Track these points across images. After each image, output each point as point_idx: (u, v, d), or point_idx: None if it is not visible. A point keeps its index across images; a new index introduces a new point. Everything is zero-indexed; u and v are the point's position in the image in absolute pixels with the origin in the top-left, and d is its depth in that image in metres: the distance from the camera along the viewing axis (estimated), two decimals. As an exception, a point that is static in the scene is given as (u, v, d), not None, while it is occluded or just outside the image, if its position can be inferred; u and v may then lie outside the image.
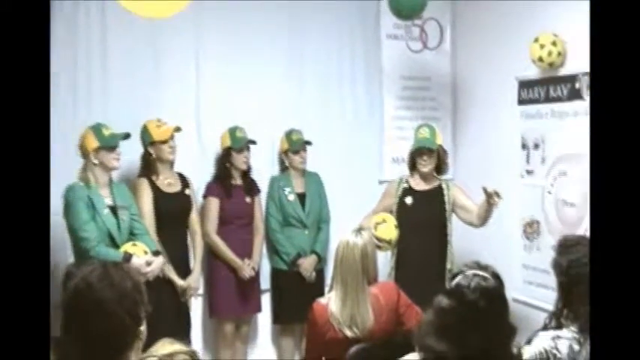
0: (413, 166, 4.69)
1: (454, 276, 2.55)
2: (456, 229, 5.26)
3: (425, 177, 4.66)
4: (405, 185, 4.70)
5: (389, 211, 4.66)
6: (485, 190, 4.20)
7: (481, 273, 2.49)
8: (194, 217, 4.57)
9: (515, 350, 2.45)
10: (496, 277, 2.51)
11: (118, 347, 2.03)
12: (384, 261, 4.69)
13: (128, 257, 3.77)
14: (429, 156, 4.58)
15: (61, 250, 4.22)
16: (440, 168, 4.69)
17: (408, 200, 4.66)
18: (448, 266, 4.53)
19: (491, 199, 4.20)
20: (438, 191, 4.64)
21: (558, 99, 4.33)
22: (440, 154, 4.65)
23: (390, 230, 4.44)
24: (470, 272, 2.50)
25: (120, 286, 2.06)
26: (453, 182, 4.82)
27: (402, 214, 4.63)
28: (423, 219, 4.57)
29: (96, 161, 3.93)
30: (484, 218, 4.39)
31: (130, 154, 4.23)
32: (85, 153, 3.95)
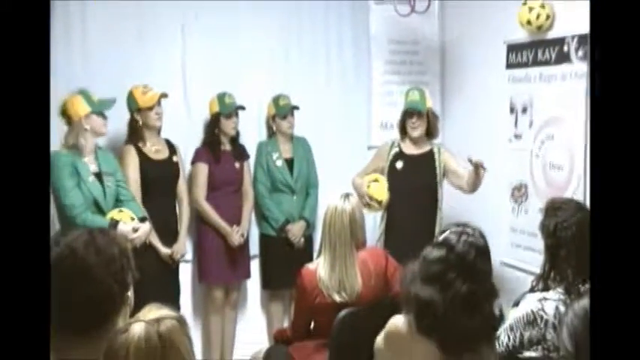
0: (403, 131, 4.66)
1: (441, 233, 2.57)
2: (446, 193, 5.28)
3: (416, 141, 4.64)
4: (396, 149, 4.69)
5: (380, 173, 4.66)
6: (470, 161, 4.21)
7: (469, 230, 2.52)
8: (182, 184, 4.56)
9: (496, 311, 2.49)
10: (482, 236, 2.54)
11: (105, 313, 2.03)
12: (374, 226, 4.72)
13: (114, 224, 3.76)
14: (418, 118, 4.57)
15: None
16: (430, 132, 4.66)
17: (399, 165, 4.66)
18: (437, 230, 4.52)
19: (477, 169, 4.21)
20: (429, 156, 4.63)
21: (546, 62, 4.31)
22: (430, 118, 4.63)
23: (381, 190, 4.47)
24: (457, 229, 2.53)
25: (106, 252, 2.05)
26: (445, 147, 4.80)
27: (393, 178, 4.63)
28: (413, 184, 4.56)
29: (87, 127, 3.90)
30: (473, 185, 4.40)
31: (115, 121, 4.19)
32: (71, 119, 3.90)
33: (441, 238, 2.56)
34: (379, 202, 4.44)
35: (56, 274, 2.05)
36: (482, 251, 2.50)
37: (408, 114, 4.58)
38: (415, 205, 4.56)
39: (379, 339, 2.66)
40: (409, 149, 4.66)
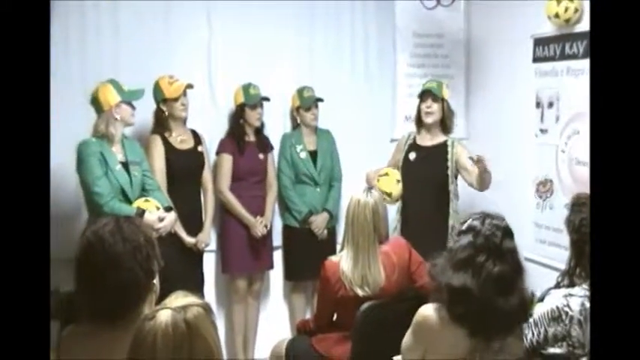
0: (419, 121, 4.66)
1: (463, 222, 2.59)
2: (470, 187, 5.26)
3: (430, 132, 4.63)
4: (411, 141, 4.71)
5: (397, 167, 4.68)
6: (472, 159, 4.23)
7: (490, 214, 2.58)
8: (206, 174, 4.58)
9: (526, 293, 2.51)
10: (504, 219, 2.57)
11: (132, 300, 2.06)
12: (391, 216, 4.70)
13: (141, 213, 3.78)
14: (433, 101, 4.56)
15: (74, 206, 4.27)
16: (445, 125, 4.65)
17: (412, 156, 4.67)
18: (451, 222, 4.52)
19: (478, 164, 4.20)
20: (442, 148, 4.60)
21: (574, 56, 4.26)
22: (445, 109, 4.62)
23: (390, 183, 4.47)
24: (479, 215, 2.56)
25: (132, 241, 2.08)
26: (459, 141, 4.76)
27: (406, 169, 4.65)
28: (424, 175, 4.57)
29: (117, 116, 3.92)
30: (481, 183, 4.37)
31: (141, 111, 4.21)
32: (101, 107, 3.92)
33: (464, 226, 2.57)
34: (389, 195, 4.44)
35: (83, 262, 2.08)
36: (507, 231, 2.55)
37: (424, 97, 4.59)
38: (426, 197, 4.57)
39: (407, 333, 2.66)
40: (423, 141, 4.67)
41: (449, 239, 4.42)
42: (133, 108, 4.00)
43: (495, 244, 2.48)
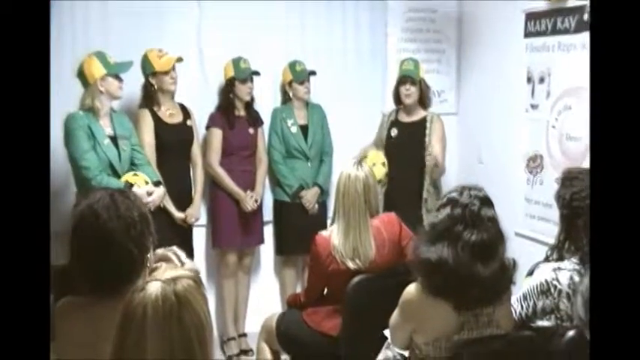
0: (397, 99, 4.84)
1: (444, 196, 2.62)
2: (459, 162, 5.27)
3: (410, 109, 4.81)
4: (393, 118, 4.89)
5: (383, 143, 4.85)
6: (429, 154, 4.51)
7: (469, 185, 2.59)
8: (195, 148, 4.56)
9: (507, 261, 2.53)
10: (482, 189, 2.59)
11: (125, 275, 2.07)
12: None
13: (129, 187, 3.77)
14: (412, 85, 4.73)
15: (63, 179, 4.25)
16: (423, 102, 4.82)
17: (394, 132, 4.85)
18: (424, 196, 4.70)
19: (428, 157, 4.54)
20: (422, 124, 4.78)
21: (565, 31, 4.25)
22: (422, 87, 4.79)
23: (378, 171, 4.54)
24: (458, 187, 2.57)
25: (126, 217, 2.08)
26: (439, 116, 4.86)
27: (388, 145, 4.85)
28: (405, 150, 4.69)
29: (102, 89, 3.89)
30: (430, 172, 4.64)
31: (129, 84, 4.18)
32: (87, 81, 3.89)
33: (443, 200, 2.59)
34: (379, 181, 4.48)
35: (78, 236, 2.08)
36: (485, 200, 2.57)
37: (402, 81, 4.77)
38: (409, 172, 4.71)
39: (395, 311, 2.68)
40: (403, 117, 4.86)
41: (422, 213, 4.63)
42: (120, 81, 3.96)
43: (473, 212, 2.49)
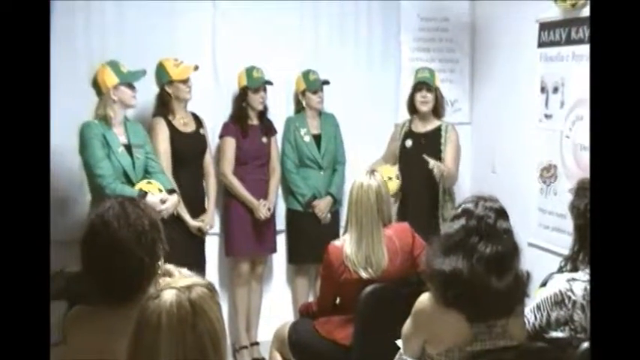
0: (412, 108, 4.79)
1: (459, 206, 2.60)
2: (472, 172, 5.25)
3: (424, 119, 4.77)
4: (406, 128, 4.84)
5: (394, 155, 4.82)
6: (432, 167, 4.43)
7: (484, 197, 2.58)
8: (208, 157, 4.57)
9: (521, 273, 2.52)
10: (497, 200, 2.57)
11: (136, 284, 2.07)
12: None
13: (143, 195, 3.77)
14: (428, 92, 4.70)
15: (77, 187, 4.28)
16: (437, 111, 4.78)
17: (408, 143, 4.80)
18: (440, 205, 4.68)
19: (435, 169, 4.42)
20: (436, 133, 4.74)
21: (580, 41, 4.24)
22: (438, 96, 4.75)
23: (392, 185, 4.54)
24: (473, 198, 2.56)
25: (137, 225, 2.08)
26: (453, 126, 4.82)
27: (403, 156, 4.80)
28: (419, 160, 4.60)
29: (115, 98, 3.91)
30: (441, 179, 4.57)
31: (142, 93, 4.20)
32: (101, 90, 3.92)
33: (458, 210, 2.58)
34: (393, 196, 4.47)
35: (88, 245, 2.09)
36: (501, 212, 2.56)
37: (418, 87, 4.72)
38: (422, 182, 4.65)
39: (407, 321, 2.67)
40: (417, 127, 4.80)
41: (439, 221, 4.61)
42: (133, 90, 3.97)
43: (489, 225, 2.48)
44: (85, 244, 2.11)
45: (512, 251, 2.52)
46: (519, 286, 2.53)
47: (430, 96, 4.70)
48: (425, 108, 4.71)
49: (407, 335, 2.70)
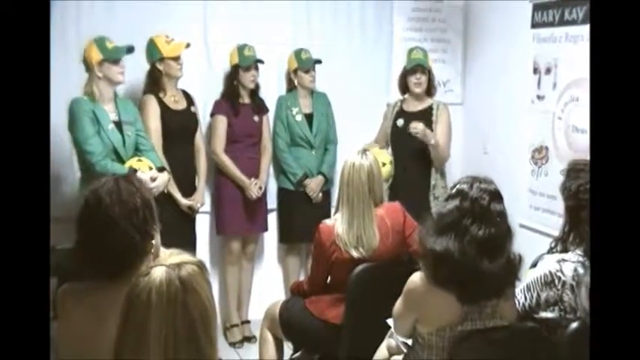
0: (404, 88, 4.79)
1: (453, 187, 2.60)
2: (464, 152, 5.26)
3: (417, 99, 4.77)
4: (398, 108, 4.84)
5: (386, 134, 4.82)
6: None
7: (479, 178, 2.58)
8: (199, 135, 4.56)
9: (513, 256, 2.52)
10: (492, 182, 2.58)
11: (128, 261, 2.07)
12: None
13: (133, 172, 3.75)
14: (422, 74, 4.69)
15: (67, 164, 4.26)
16: (429, 91, 4.78)
17: (400, 122, 4.79)
18: (432, 182, 4.70)
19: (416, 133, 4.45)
20: (428, 112, 4.75)
21: (573, 22, 4.23)
22: (430, 76, 4.76)
23: (385, 170, 4.52)
24: (468, 179, 2.56)
25: (129, 202, 2.08)
26: (445, 105, 4.81)
27: (395, 136, 4.79)
28: (411, 139, 4.60)
29: (100, 74, 3.87)
30: (434, 159, 4.61)
31: (133, 70, 4.17)
32: (88, 66, 3.88)
33: (453, 190, 2.58)
34: (385, 180, 4.47)
35: (81, 221, 2.08)
36: (495, 194, 2.55)
37: (413, 70, 4.70)
38: (415, 161, 4.67)
39: (398, 300, 2.68)
40: (409, 107, 4.80)
41: (430, 200, 4.62)
42: (119, 66, 3.91)
43: (482, 206, 2.48)
44: (79, 221, 2.10)
45: (505, 234, 2.52)
46: (511, 269, 2.53)
47: (424, 78, 4.70)
48: (418, 89, 4.71)
49: (398, 314, 2.71)
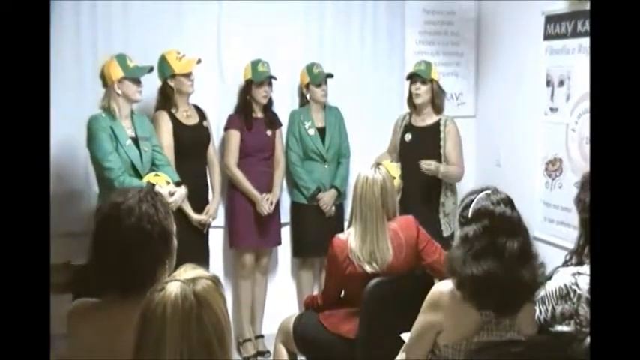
0: (411, 102, 4.75)
1: (465, 207, 2.59)
2: (477, 165, 5.25)
3: (422, 112, 4.72)
4: (406, 122, 4.80)
5: (396, 148, 4.79)
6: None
7: (488, 190, 2.59)
8: (212, 149, 4.58)
9: (536, 260, 2.55)
10: (501, 192, 2.59)
11: (145, 277, 2.06)
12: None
13: (151, 187, 3.77)
14: (422, 84, 4.64)
15: (83, 180, 4.28)
16: (436, 105, 4.71)
17: (408, 137, 4.75)
18: (441, 200, 4.66)
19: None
20: (435, 128, 4.69)
21: (586, 34, 4.22)
22: (434, 89, 4.69)
23: (395, 184, 4.49)
24: (481, 195, 2.56)
25: (149, 218, 2.08)
26: (452, 120, 4.75)
27: (403, 150, 4.76)
28: (419, 156, 4.58)
29: (119, 91, 3.90)
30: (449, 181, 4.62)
31: (145, 86, 4.19)
32: (107, 82, 3.91)
33: (470, 211, 2.55)
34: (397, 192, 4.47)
35: (100, 235, 2.08)
36: (509, 201, 2.57)
37: (412, 80, 4.68)
38: (422, 176, 4.59)
39: (421, 312, 2.64)
40: (417, 122, 4.75)
41: (440, 217, 4.63)
42: (138, 84, 3.95)
43: (509, 219, 2.50)
44: (96, 235, 2.10)
45: (527, 237, 2.55)
46: (537, 274, 2.55)
47: (424, 88, 4.64)
48: (418, 100, 4.66)
49: (422, 329, 2.63)
